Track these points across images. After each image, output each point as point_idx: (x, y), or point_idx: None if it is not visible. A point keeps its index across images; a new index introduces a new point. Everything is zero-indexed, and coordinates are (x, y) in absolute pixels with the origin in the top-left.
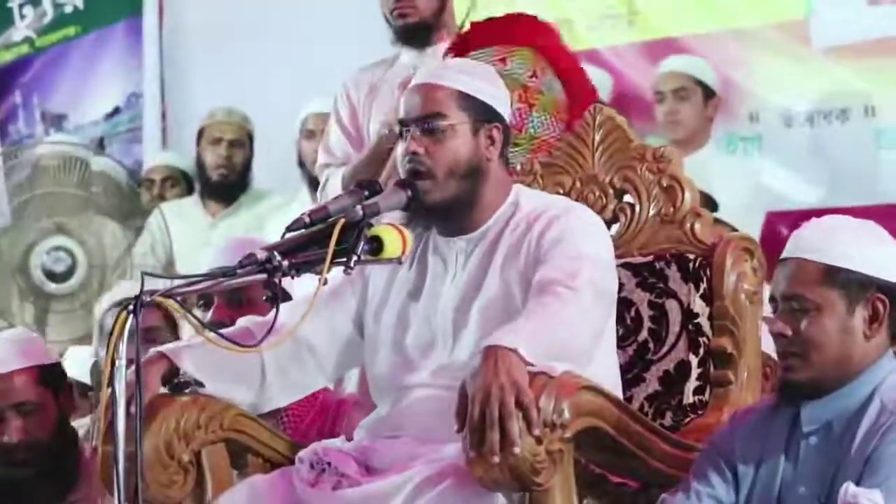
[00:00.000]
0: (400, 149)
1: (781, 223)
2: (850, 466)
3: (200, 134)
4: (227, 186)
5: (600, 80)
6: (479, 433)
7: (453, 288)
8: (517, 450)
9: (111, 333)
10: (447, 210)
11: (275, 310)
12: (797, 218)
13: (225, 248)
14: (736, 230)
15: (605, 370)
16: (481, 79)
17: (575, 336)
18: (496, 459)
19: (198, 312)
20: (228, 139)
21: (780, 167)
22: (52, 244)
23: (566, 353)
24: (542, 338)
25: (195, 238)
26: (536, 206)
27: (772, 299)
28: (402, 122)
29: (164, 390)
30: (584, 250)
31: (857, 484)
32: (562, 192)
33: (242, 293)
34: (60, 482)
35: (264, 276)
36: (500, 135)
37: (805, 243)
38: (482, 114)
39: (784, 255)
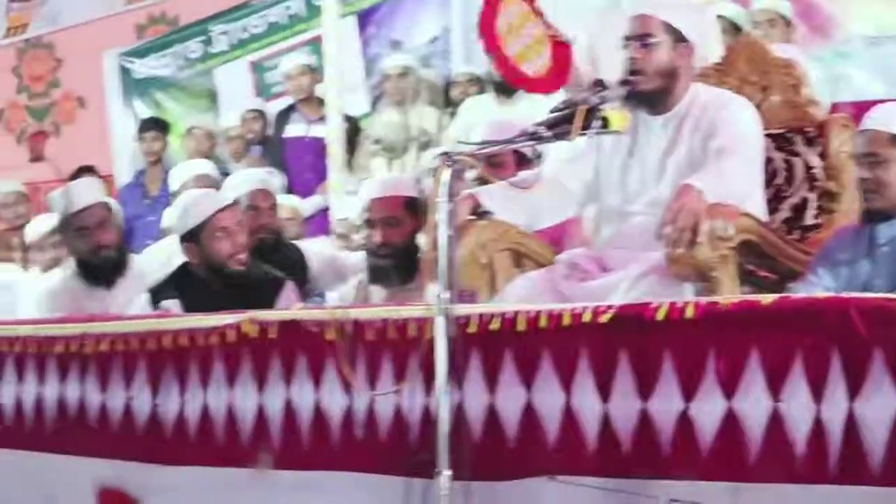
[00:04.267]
0: (623, 56)
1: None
2: None
3: None
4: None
5: None
6: (675, 240)
7: (656, 149)
8: (698, 250)
9: (436, 180)
10: (653, 97)
11: (540, 166)
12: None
13: (492, 126)
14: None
15: (756, 204)
16: (680, 13)
17: (739, 184)
18: (685, 252)
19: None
20: None
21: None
22: None
23: (733, 194)
24: (716, 181)
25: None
26: (710, 96)
27: (856, 158)
28: (627, 38)
29: (471, 217)
30: (744, 128)
31: None
32: (725, 87)
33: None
34: (407, 272)
35: (533, 142)
36: (689, 49)
37: (874, 119)
38: (678, 36)
39: (861, 127)
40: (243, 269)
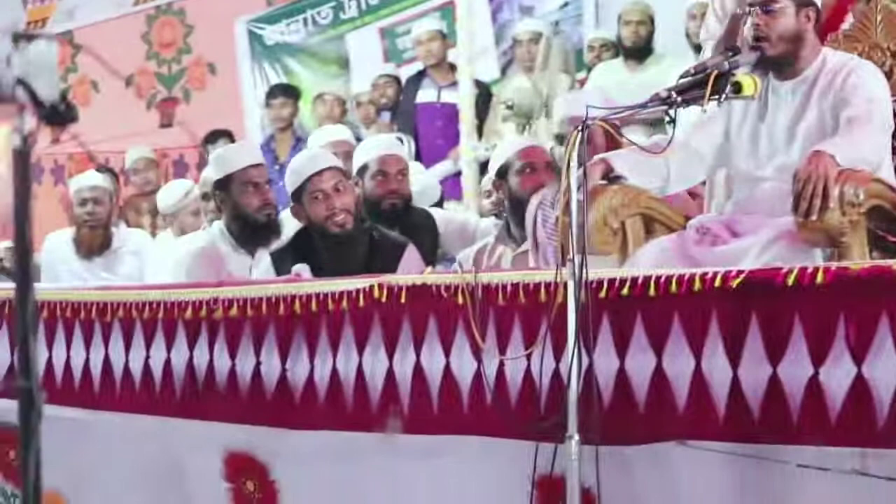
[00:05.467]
0: (748, 23)
1: None
2: None
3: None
4: (640, 49)
5: None
6: (805, 205)
7: (786, 114)
8: (828, 215)
9: (567, 144)
10: (781, 62)
11: (672, 131)
12: None
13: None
14: None
15: (888, 171)
16: None
17: (870, 150)
18: (815, 218)
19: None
20: (635, 20)
21: None
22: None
23: (864, 161)
24: (848, 148)
25: (618, 85)
26: (839, 61)
27: None
28: (750, 5)
29: (602, 182)
30: (874, 94)
31: None
32: (855, 53)
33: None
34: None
35: (665, 106)
36: (813, 14)
37: None
38: (802, 1)
39: None
40: (345, 232)
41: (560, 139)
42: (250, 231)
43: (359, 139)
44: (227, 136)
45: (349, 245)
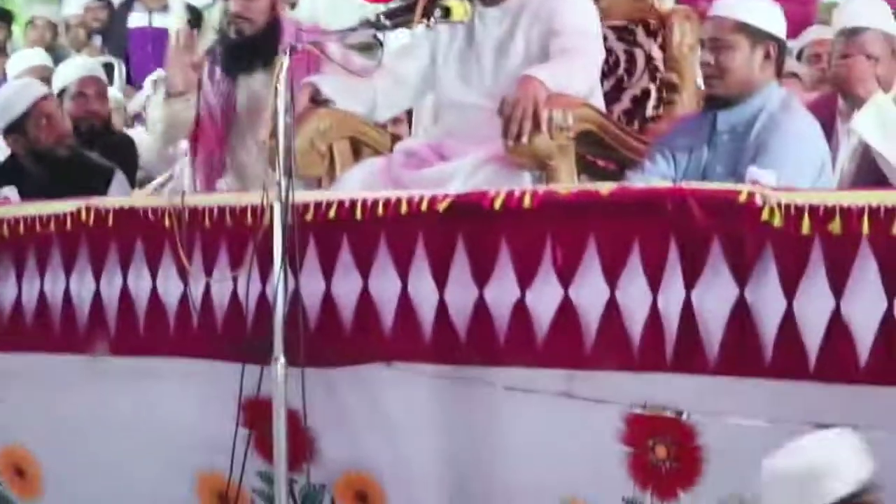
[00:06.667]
0: None
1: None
2: (749, 151)
3: None
4: None
5: None
6: (515, 128)
7: (494, 40)
8: (537, 139)
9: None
10: None
11: (380, 52)
12: None
13: None
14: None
15: (598, 98)
16: None
17: (581, 80)
18: (524, 141)
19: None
20: None
21: None
22: None
23: (574, 88)
24: (559, 75)
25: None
26: None
27: (701, 43)
28: None
29: (310, 106)
30: (581, 19)
31: (753, 162)
32: None
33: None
34: None
35: (374, 30)
36: None
37: (721, 5)
38: None
39: (709, 13)
40: (69, 157)
41: None
42: None
43: None
44: None
45: (71, 171)
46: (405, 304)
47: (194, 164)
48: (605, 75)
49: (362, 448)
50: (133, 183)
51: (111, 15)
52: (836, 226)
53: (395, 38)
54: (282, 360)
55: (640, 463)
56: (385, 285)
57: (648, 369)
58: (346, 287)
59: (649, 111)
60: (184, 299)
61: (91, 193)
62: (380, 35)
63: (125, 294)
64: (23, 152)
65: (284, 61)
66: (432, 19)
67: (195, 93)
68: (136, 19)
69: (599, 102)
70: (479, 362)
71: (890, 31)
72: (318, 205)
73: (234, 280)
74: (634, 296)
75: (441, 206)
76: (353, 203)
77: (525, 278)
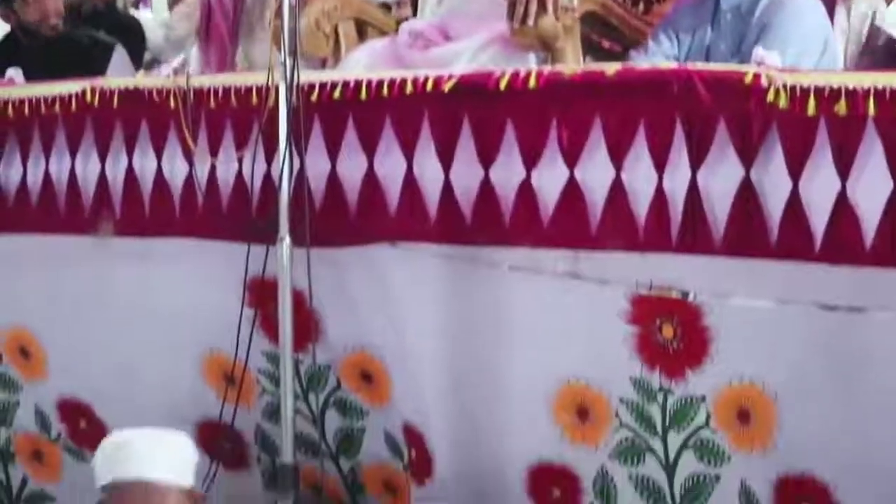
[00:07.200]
0: None
1: None
2: (753, 31)
3: None
4: None
5: None
6: (520, 10)
7: None
8: (542, 19)
9: None
10: None
11: None
12: None
13: None
14: None
15: None
16: None
17: None
18: (530, 23)
19: None
20: None
21: None
22: None
23: None
24: None
25: None
26: None
27: None
28: None
29: None
30: None
31: (756, 42)
32: None
33: None
34: None
35: None
36: None
37: None
38: None
39: None
40: (57, 35)
41: None
42: None
43: None
44: None
45: (60, 48)
46: (410, 185)
47: (205, 56)
48: None
49: (367, 328)
50: (140, 65)
51: None
52: (841, 107)
53: None
54: (287, 240)
55: (647, 343)
56: (390, 165)
57: (654, 250)
58: (352, 167)
59: None
60: (189, 180)
61: (89, 72)
62: None
63: (130, 175)
64: (16, 27)
65: None
66: None
67: None
68: None
69: None
70: (484, 242)
71: None
72: (323, 85)
73: (240, 161)
74: (640, 176)
75: (446, 87)
76: (359, 83)
77: (531, 159)
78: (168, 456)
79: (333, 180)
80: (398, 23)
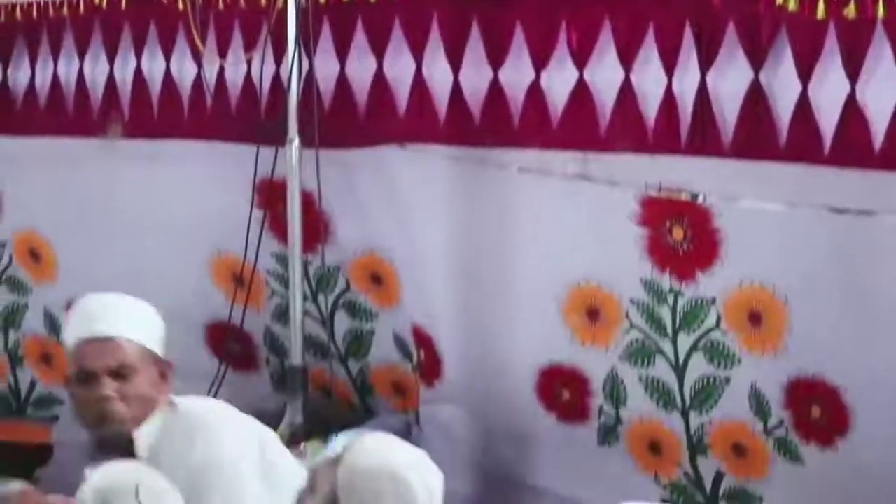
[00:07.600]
0: None
1: None
2: None
3: None
4: None
5: None
6: None
7: None
8: None
9: None
10: None
11: None
12: None
13: None
14: None
15: None
16: None
17: None
18: None
19: None
20: None
21: None
22: None
23: None
24: None
25: None
26: None
27: None
28: None
29: None
30: None
31: None
32: None
33: None
34: None
35: None
36: None
37: None
38: None
39: None
40: None
41: None
42: None
43: None
44: None
45: None
46: (420, 86)
47: None
48: None
49: (377, 230)
50: None
51: None
52: (850, 10)
53: None
54: (296, 141)
55: (657, 244)
56: (400, 67)
57: (663, 151)
58: (361, 69)
59: None
60: (198, 82)
61: None
62: None
63: (139, 76)
64: None
65: None
66: None
67: None
68: None
69: None
70: (493, 144)
71: None
72: None
73: (249, 62)
74: (649, 78)
75: None
76: None
77: (540, 60)
78: (134, 318)
79: (342, 82)
80: None
